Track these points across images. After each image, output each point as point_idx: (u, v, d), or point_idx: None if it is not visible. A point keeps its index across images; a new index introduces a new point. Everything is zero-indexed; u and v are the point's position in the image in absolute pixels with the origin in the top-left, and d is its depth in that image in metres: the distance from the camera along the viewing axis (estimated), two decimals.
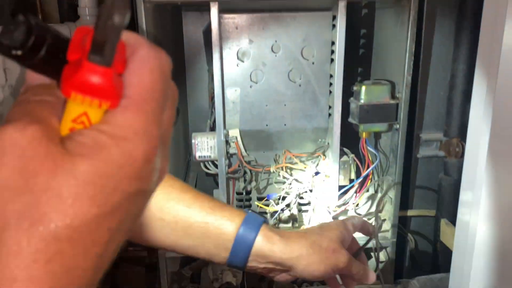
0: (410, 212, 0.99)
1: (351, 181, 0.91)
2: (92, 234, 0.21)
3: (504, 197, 0.68)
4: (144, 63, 0.24)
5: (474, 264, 0.73)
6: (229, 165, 0.88)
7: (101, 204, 0.21)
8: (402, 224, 1.01)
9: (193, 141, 0.86)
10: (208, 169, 0.90)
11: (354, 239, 0.64)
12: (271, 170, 0.89)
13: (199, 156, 0.87)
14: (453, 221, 0.91)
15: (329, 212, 0.90)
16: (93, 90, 0.22)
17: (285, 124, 0.89)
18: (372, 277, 0.62)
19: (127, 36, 0.24)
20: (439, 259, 0.96)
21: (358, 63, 1.08)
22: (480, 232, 0.73)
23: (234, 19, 0.82)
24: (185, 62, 1.15)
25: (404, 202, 0.99)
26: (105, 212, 0.21)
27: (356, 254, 0.62)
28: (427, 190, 0.99)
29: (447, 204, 0.93)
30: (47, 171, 0.21)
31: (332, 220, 0.87)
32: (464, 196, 0.76)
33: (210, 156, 0.87)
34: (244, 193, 0.92)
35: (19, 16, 0.21)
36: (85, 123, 0.23)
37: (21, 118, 0.21)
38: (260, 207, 0.86)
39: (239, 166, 0.88)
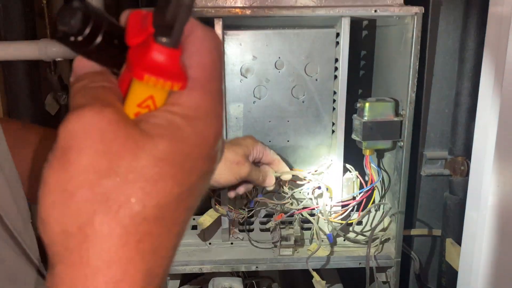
0: (414, 231, 0.97)
1: (354, 198, 0.90)
2: (173, 213, 0.22)
3: (510, 216, 0.66)
4: (202, 44, 0.24)
5: (480, 285, 0.71)
6: None
7: (181, 183, 0.22)
8: (406, 243, 1.00)
9: None
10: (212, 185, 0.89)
11: (266, 153, 0.80)
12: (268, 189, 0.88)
13: None
14: (459, 240, 0.90)
15: (331, 228, 0.88)
16: (164, 72, 0.22)
17: (288, 140, 0.89)
18: (270, 181, 0.80)
19: None
20: (444, 280, 0.94)
21: (361, 80, 1.08)
22: (486, 253, 0.71)
23: (238, 36, 0.82)
24: None
25: (409, 221, 0.97)
26: (184, 191, 0.22)
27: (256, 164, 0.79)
28: (432, 208, 0.97)
29: (453, 223, 0.91)
30: (130, 153, 0.21)
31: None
32: (469, 215, 0.75)
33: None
34: (246, 210, 0.91)
35: (74, 1, 0.21)
36: (150, 107, 0.23)
37: (94, 103, 0.21)
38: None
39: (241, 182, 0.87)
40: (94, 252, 0.20)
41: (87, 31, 0.21)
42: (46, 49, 1.14)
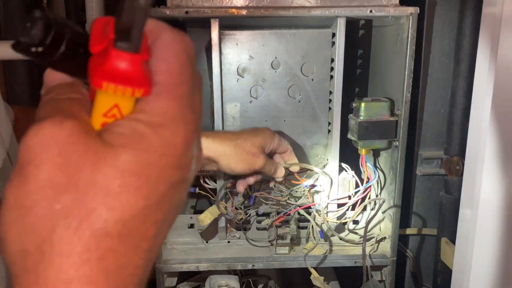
0: (410, 231, 0.98)
1: (350, 197, 0.91)
2: (140, 228, 0.21)
3: (502, 216, 0.67)
4: (169, 47, 0.23)
5: (472, 284, 0.72)
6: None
7: (147, 196, 0.21)
8: (402, 242, 1.00)
9: None
10: (207, 183, 0.90)
11: (282, 145, 0.81)
12: (270, 185, 0.88)
13: (198, 170, 0.87)
14: (454, 240, 0.90)
15: (326, 228, 0.89)
16: (124, 79, 0.21)
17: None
18: (280, 172, 0.81)
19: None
20: (440, 279, 0.95)
21: (357, 81, 1.09)
22: (479, 251, 0.72)
23: (235, 36, 0.83)
24: None
25: (404, 220, 0.98)
26: (151, 203, 0.21)
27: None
28: (428, 208, 0.98)
29: (448, 223, 0.92)
30: (90, 165, 0.20)
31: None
32: (463, 214, 0.75)
33: (208, 171, 0.87)
34: (243, 208, 0.92)
35: (35, 12, 0.20)
36: (116, 116, 0.22)
37: (55, 115, 0.21)
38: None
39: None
40: (52, 272, 0.19)
41: (48, 40, 0.20)
42: None
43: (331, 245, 0.95)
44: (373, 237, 0.93)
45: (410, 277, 1.02)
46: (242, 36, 0.83)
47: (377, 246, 0.95)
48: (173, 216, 0.24)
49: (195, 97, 0.23)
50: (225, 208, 0.89)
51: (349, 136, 0.89)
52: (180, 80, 0.22)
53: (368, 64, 1.04)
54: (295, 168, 0.86)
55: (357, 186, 0.91)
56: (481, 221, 0.70)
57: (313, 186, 0.88)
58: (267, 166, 0.76)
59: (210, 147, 0.70)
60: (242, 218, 0.90)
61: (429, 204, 0.97)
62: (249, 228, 0.96)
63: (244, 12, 0.77)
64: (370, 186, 0.89)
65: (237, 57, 0.84)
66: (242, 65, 0.85)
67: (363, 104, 0.84)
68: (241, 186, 0.83)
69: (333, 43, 0.83)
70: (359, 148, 0.88)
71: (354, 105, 0.86)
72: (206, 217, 0.88)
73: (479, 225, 0.71)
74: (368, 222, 0.89)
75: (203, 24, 0.97)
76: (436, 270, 0.95)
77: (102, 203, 0.19)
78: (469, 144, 0.74)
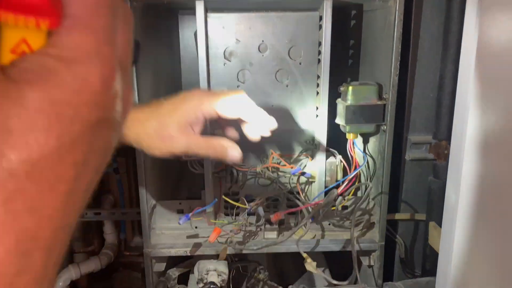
0: (399, 216, 0.98)
1: (338, 184, 0.91)
2: (55, 169, 0.20)
3: (486, 200, 0.67)
4: None
5: (454, 266, 0.72)
6: (216, 165, 0.88)
7: (60, 135, 0.19)
8: (392, 228, 1.00)
9: None
10: (194, 168, 0.89)
11: (222, 109, 0.63)
12: (257, 170, 0.88)
13: (186, 155, 0.86)
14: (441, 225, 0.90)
15: (314, 214, 0.89)
16: (25, 7, 0.19)
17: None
18: (230, 154, 0.62)
19: None
20: (429, 264, 0.95)
21: (347, 65, 1.08)
22: (461, 235, 0.72)
23: (221, 18, 0.82)
24: (181, 65, 1.16)
25: (393, 205, 0.98)
26: (66, 143, 0.20)
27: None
28: (417, 193, 0.98)
29: (437, 208, 0.92)
30: None
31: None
32: (449, 197, 0.75)
33: (195, 156, 0.86)
34: (231, 194, 0.92)
35: None
36: (26, 52, 0.20)
37: None
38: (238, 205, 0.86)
39: (225, 166, 0.88)
40: None
41: None
42: None
43: (320, 231, 0.95)
44: (362, 222, 0.93)
45: (399, 263, 1.02)
46: (229, 18, 0.83)
47: (366, 232, 0.95)
48: (98, 160, 0.22)
49: (115, 31, 0.22)
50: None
51: (337, 120, 0.88)
52: (95, 12, 0.21)
53: (359, 53, 1.03)
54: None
55: (345, 171, 0.91)
56: (463, 204, 0.70)
57: (302, 173, 0.88)
58: (196, 148, 0.62)
59: (132, 130, 0.61)
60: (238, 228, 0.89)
61: (419, 190, 0.97)
62: (238, 213, 0.96)
63: None
64: (358, 172, 0.89)
65: (224, 41, 0.84)
66: (229, 49, 0.84)
67: (350, 88, 0.84)
68: None
69: (321, 26, 0.83)
70: (347, 132, 0.88)
71: (341, 89, 0.86)
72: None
73: (461, 208, 0.71)
74: (356, 208, 0.89)
75: (195, 10, 0.96)
76: (425, 255, 0.96)
77: (5, 143, 0.18)
78: (454, 127, 0.74)
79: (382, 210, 0.91)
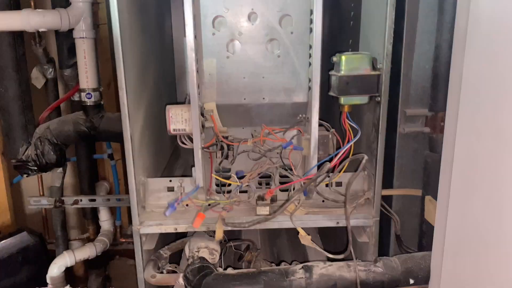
0: (394, 191, 0.96)
1: (331, 158, 0.88)
2: None
3: (479, 172, 0.64)
4: None
5: (448, 237, 0.70)
6: (206, 140, 0.86)
7: None
8: (387, 204, 0.98)
9: (167, 113, 0.83)
10: (184, 143, 0.87)
11: None
12: (248, 144, 0.86)
13: (174, 129, 0.84)
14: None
15: (306, 188, 0.87)
16: None
17: (263, 98, 0.87)
18: None
19: None
20: (425, 240, 0.93)
21: (347, 37, 1.05)
22: (455, 207, 0.70)
23: None
24: (174, 44, 1.14)
25: (389, 181, 0.95)
26: None
27: None
28: (413, 169, 0.95)
29: (433, 182, 0.89)
30: None
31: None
32: (443, 170, 0.73)
33: (185, 130, 0.84)
34: (221, 170, 0.89)
35: None
36: None
37: None
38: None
39: (215, 140, 0.86)
40: None
41: None
42: (29, 19, 1.12)
43: (313, 206, 0.93)
44: (356, 198, 0.90)
45: (395, 240, 1.00)
46: None
47: (361, 207, 0.93)
48: None
49: None
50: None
51: (330, 93, 0.86)
52: None
53: (358, 21, 1.00)
54: None
55: (338, 145, 0.88)
56: (457, 176, 0.68)
57: (294, 147, 0.85)
58: None
59: None
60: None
61: (414, 165, 0.95)
62: (230, 191, 0.94)
63: None
64: (352, 145, 0.87)
65: (212, 8, 0.81)
66: (217, 18, 0.82)
67: (343, 58, 0.81)
68: None
69: None
70: (340, 104, 0.85)
71: (334, 59, 0.83)
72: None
73: (455, 180, 0.69)
74: (350, 182, 0.87)
75: None
76: (421, 231, 0.93)
77: None
78: (449, 98, 0.71)
79: (377, 185, 0.88)
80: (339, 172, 0.89)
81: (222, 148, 0.87)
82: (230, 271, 0.78)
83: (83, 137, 1.27)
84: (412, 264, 0.79)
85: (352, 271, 0.78)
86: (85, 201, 1.53)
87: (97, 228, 1.71)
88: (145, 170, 0.94)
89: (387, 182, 0.93)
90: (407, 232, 0.99)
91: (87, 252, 1.54)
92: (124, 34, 0.76)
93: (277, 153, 0.87)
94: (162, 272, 0.96)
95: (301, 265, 0.78)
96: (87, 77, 1.22)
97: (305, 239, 0.81)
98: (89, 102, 1.24)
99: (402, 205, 0.98)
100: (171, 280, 0.89)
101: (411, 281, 0.79)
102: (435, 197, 0.90)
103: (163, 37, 1.11)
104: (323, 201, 0.92)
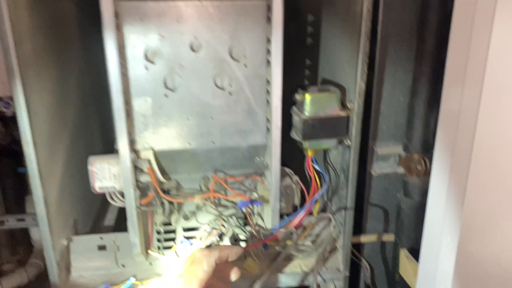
0: (365, 238, 0.85)
1: (294, 208, 0.75)
2: None
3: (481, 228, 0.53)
4: None
5: None
6: (142, 196, 0.70)
7: None
8: (356, 249, 0.87)
9: (89, 167, 0.66)
10: (114, 200, 0.70)
11: (226, 265, 0.64)
12: (196, 202, 0.71)
13: (100, 188, 0.67)
14: (413, 249, 0.78)
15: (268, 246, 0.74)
16: None
17: (213, 142, 0.71)
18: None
19: None
20: None
21: (303, 56, 0.91)
22: (448, 271, 0.59)
23: (138, 8, 0.62)
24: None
25: (358, 226, 0.84)
26: None
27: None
28: (384, 210, 0.85)
29: (407, 229, 0.79)
30: None
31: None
32: (430, 225, 0.62)
33: (114, 187, 0.67)
34: (162, 230, 0.74)
35: None
36: None
37: None
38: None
39: (154, 196, 0.70)
40: None
41: None
42: None
43: (274, 262, 0.80)
44: (323, 248, 0.78)
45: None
46: (148, 8, 0.62)
47: (328, 257, 0.81)
48: None
49: None
50: None
51: (293, 135, 0.72)
52: None
53: (317, 41, 0.86)
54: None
55: (302, 193, 0.75)
56: (452, 229, 0.57)
57: (252, 202, 0.71)
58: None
59: None
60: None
61: (386, 206, 0.84)
62: (171, 246, 0.79)
63: None
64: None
65: (144, 37, 0.63)
66: (151, 48, 0.64)
67: (308, 97, 0.67)
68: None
69: (269, 18, 0.65)
70: (304, 148, 0.72)
71: (297, 98, 0.69)
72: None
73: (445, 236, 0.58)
74: (316, 240, 0.75)
75: None
76: (393, 280, 0.83)
77: None
78: (439, 137, 0.59)
79: (346, 237, 0.77)
80: (304, 233, 0.76)
81: (163, 204, 0.71)
82: None
83: (4, 152, 1.13)
84: None
85: None
86: (12, 222, 1.32)
87: (30, 247, 1.50)
88: (67, 229, 0.77)
89: (356, 227, 0.82)
90: (377, 279, 0.89)
91: (18, 279, 1.33)
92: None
93: (230, 216, 0.72)
94: None
95: None
96: (2, 83, 1.01)
97: None
98: (8, 112, 1.05)
99: (373, 251, 0.87)
100: None
101: None
102: (409, 246, 0.80)
103: (92, 73, 0.91)
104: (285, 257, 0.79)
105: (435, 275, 0.62)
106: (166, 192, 0.71)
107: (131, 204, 0.68)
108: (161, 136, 0.69)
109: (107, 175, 0.66)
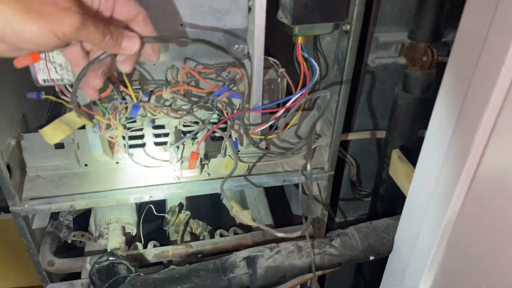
0: (354, 135, 0.78)
1: (279, 105, 0.66)
2: None
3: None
4: None
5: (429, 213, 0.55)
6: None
7: None
8: (343, 146, 0.81)
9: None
10: (65, 95, 0.59)
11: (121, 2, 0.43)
12: (164, 96, 0.60)
13: (44, 80, 0.55)
14: (407, 150, 0.72)
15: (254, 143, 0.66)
16: None
17: (181, 24, 0.58)
18: (131, 45, 0.44)
19: None
20: (383, 189, 0.79)
21: None
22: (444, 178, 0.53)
23: None
24: None
25: (347, 121, 0.77)
26: None
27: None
28: (377, 104, 0.76)
29: (402, 128, 0.72)
30: None
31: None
32: (434, 127, 0.55)
33: (63, 79, 0.55)
34: (119, 116, 0.63)
35: None
36: None
37: None
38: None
39: (112, 91, 0.58)
40: None
41: None
42: None
43: (256, 163, 0.73)
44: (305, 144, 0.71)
45: (348, 185, 0.86)
46: None
47: (312, 155, 0.75)
48: None
49: None
50: (92, 119, 0.60)
51: (280, 17, 0.59)
52: None
53: None
54: (154, 47, 0.48)
55: (288, 89, 0.65)
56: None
57: (230, 94, 0.61)
58: (92, 32, 0.40)
59: None
60: (119, 132, 0.62)
61: (380, 101, 0.76)
62: (144, 144, 0.70)
63: None
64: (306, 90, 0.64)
65: None
66: None
67: None
68: (88, 90, 0.49)
69: None
70: (293, 34, 0.60)
71: None
72: (51, 135, 0.58)
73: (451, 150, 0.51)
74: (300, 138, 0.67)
75: None
76: (379, 178, 0.79)
77: None
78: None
79: (335, 134, 0.69)
80: (290, 122, 0.68)
81: (124, 98, 0.60)
82: (150, 275, 0.59)
83: None
84: (374, 239, 0.66)
85: (304, 256, 0.63)
86: None
87: None
88: (14, 126, 0.66)
89: (345, 122, 0.73)
90: (362, 176, 0.85)
91: None
92: None
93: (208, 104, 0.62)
94: (66, 245, 0.77)
95: (242, 256, 0.62)
96: None
97: (242, 215, 0.62)
98: None
99: (361, 146, 0.81)
100: (76, 266, 0.70)
101: (371, 258, 0.66)
102: (402, 144, 0.73)
103: None
104: (268, 154, 0.72)
105: (434, 182, 0.57)
106: (125, 85, 0.59)
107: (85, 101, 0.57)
108: None
109: (50, 65, 0.53)
